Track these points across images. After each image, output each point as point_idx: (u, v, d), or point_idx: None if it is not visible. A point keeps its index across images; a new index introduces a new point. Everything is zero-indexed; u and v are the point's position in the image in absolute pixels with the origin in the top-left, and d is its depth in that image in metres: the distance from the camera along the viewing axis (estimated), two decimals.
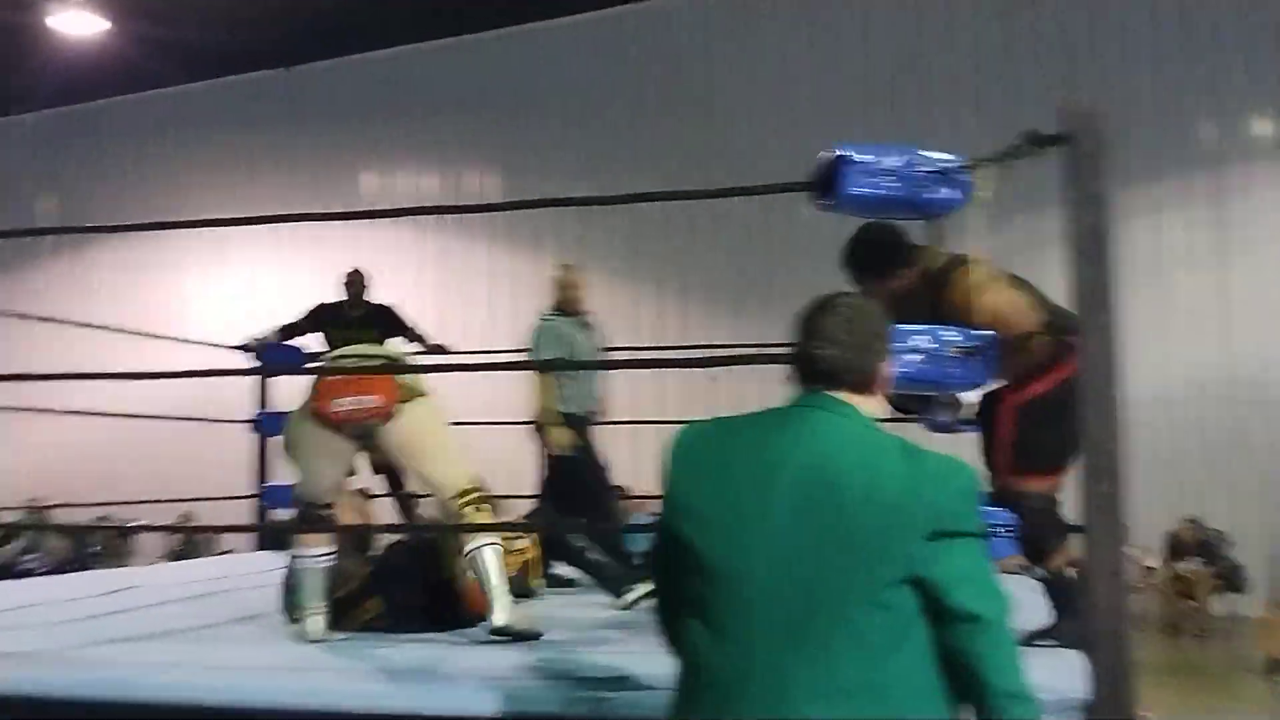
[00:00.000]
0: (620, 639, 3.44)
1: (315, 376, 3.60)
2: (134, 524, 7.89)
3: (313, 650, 3.33)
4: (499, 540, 3.46)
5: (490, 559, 3.39)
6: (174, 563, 7.21)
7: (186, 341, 6.44)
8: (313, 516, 3.58)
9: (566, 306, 5.26)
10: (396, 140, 11.94)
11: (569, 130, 11.38)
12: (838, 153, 2.75)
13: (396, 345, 5.76)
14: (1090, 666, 2.16)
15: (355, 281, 6.02)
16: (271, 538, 6.56)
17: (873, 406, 1.77)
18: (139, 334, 6.32)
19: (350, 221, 11.27)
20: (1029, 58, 10.50)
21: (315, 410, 3.47)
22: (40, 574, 8.01)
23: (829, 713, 1.55)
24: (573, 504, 4.99)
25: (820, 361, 1.74)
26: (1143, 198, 10.24)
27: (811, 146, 2.99)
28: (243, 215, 3.87)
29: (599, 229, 11.04)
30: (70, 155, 12.77)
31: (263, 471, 5.95)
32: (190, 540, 9.66)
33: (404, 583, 3.69)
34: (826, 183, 2.79)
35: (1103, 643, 2.13)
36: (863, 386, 1.75)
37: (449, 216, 11.34)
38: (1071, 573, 3.14)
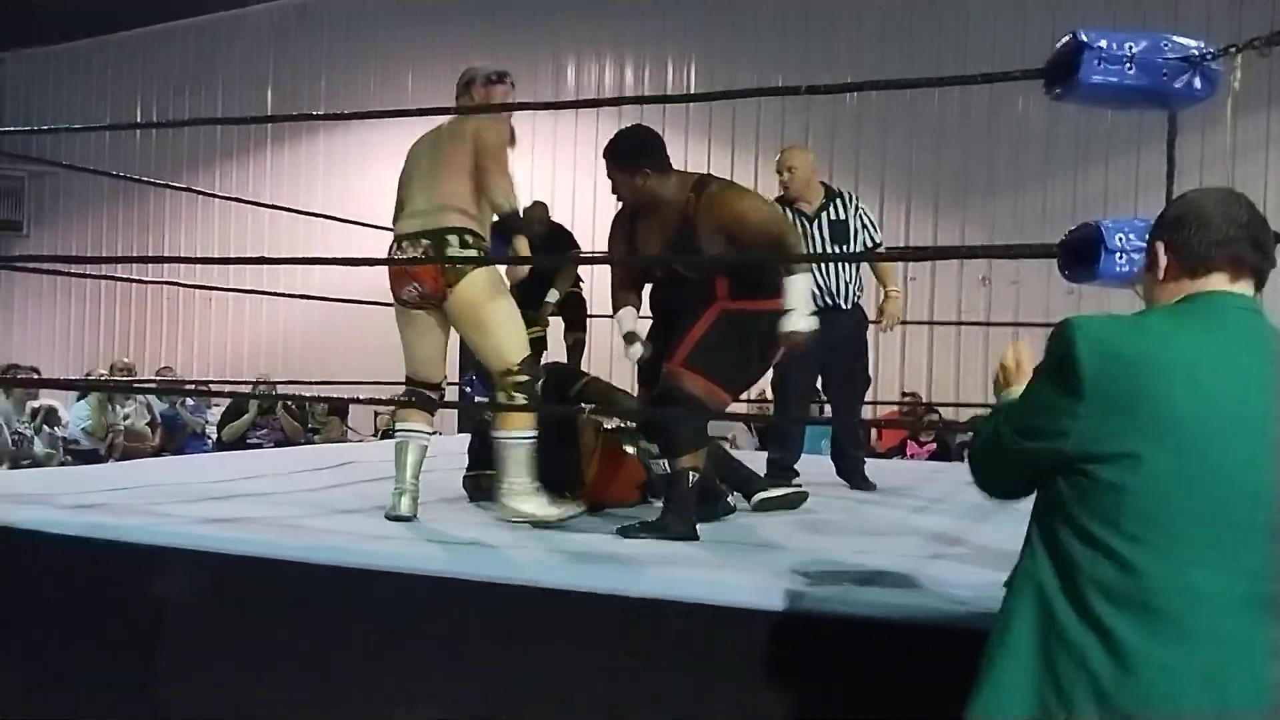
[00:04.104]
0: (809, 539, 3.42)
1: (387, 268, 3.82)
2: (355, 399, 8.29)
3: (514, 529, 3.45)
4: (532, 435, 3.55)
5: (515, 454, 3.51)
6: (384, 440, 7.57)
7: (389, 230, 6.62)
8: (416, 396, 3.81)
9: (785, 196, 4.82)
10: (596, 34, 11.88)
11: (771, 20, 11.03)
12: (1078, 37, 2.52)
13: None
14: None
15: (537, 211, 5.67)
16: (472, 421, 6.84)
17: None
18: (354, 222, 6.55)
19: (556, 117, 11.34)
20: None
21: (394, 295, 3.77)
22: (267, 448, 8.61)
23: None
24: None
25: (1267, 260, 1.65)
26: None
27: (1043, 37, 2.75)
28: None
29: (796, 124, 10.72)
30: (287, 49, 13.25)
31: (465, 355, 6.12)
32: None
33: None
34: (1063, 70, 2.58)
35: None
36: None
37: (648, 110, 11.27)
38: (695, 476, 3.37)
